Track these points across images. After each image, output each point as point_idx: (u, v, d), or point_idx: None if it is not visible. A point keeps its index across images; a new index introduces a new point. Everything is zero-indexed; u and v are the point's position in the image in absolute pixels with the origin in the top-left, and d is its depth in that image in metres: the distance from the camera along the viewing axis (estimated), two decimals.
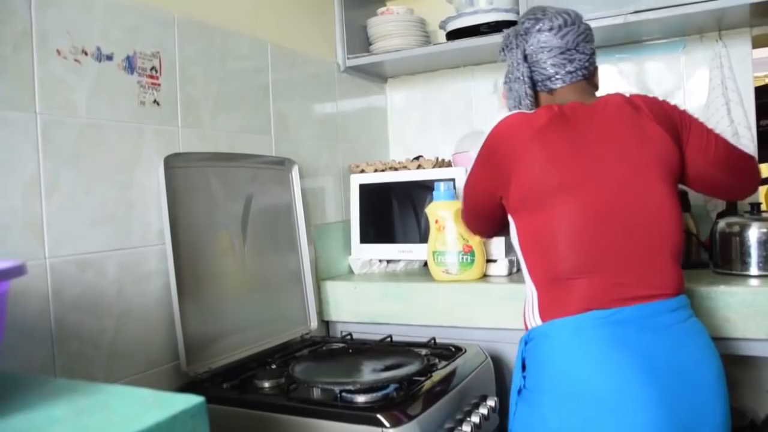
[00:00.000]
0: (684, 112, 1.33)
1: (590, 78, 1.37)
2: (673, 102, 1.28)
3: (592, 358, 1.13)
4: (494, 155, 1.30)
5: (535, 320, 1.23)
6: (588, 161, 1.22)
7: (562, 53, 1.32)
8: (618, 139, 1.24)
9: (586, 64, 1.34)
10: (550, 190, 1.21)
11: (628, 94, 1.31)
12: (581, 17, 1.36)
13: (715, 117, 1.90)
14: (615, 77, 2.12)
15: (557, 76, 1.33)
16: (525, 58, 1.35)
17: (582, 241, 1.19)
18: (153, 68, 1.42)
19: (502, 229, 1.50)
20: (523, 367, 1.23)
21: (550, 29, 1.32)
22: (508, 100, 1.38)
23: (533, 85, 1.36)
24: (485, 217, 1.44)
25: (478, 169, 1.37)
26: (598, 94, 1.39)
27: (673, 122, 1.29)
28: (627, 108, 1.27)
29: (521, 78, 1.34)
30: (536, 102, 1.37)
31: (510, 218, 1.32)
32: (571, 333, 1.16)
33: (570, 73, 1.32)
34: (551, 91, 1.35)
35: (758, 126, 1.97)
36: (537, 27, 1.33)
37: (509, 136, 1.27)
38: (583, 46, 1.33)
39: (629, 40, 2.05)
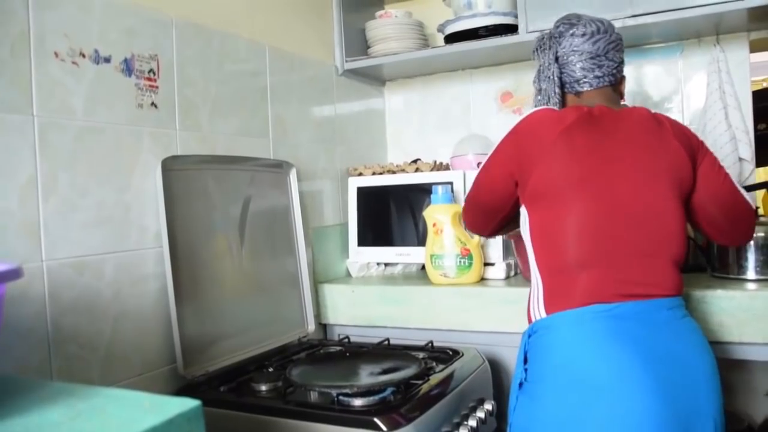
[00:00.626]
0: (703, 142, 1.36)
1: (616, 85, 1.41)
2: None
3: (591, 348, 1.16)
4: (522, 142, 1.32)
5: (539, 312, 1.26)
6: (605, 161, 1.25)
7: (591, 58, 1.36)
8: (637, 145, 1.28)
9: (614, 71, 1.38)
10: (567, 185, 1.25)
11: (653, 111, 1.35)
12: (614, 26, 1.41)
13: (713, 121, 1.90)
14: None
15: (585, 80, 1.37)
16: (556, 59, 1.39)
17: (589, 235, 1.22)
18: (151, 71, 1.42)
19: (501, 230, 1.53)
20: (525, 360, 1.26)
21: (583, 35, 1.36)
22: (536, 99, 1.42)
23: (562, 86, 1.40)
24: (490, 207, 1.44)
25: (500, 152, 1.37)
26: (622, 103, 1.42)
27: (691, 143, 1.32)
28: (651, 119, 1.32)
29: (551, 78, 1.39)
30: (563, 102, 1.41)
31: (523, 209, 1.34)
32: (573, 325, 1.19)
33: (597, 77, 1.36)
34: (578, 94, 1.39)
35: (756, 130, 1.97)
36: (570, 31, 1.38)
37: (539, 127, 1.30)
38: (613, 54, 1.37)
39: (627, 44, 2.02)
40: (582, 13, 1.42)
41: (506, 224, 1.48)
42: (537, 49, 1.44)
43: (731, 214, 1.36)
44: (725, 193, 1.34)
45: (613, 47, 1.37)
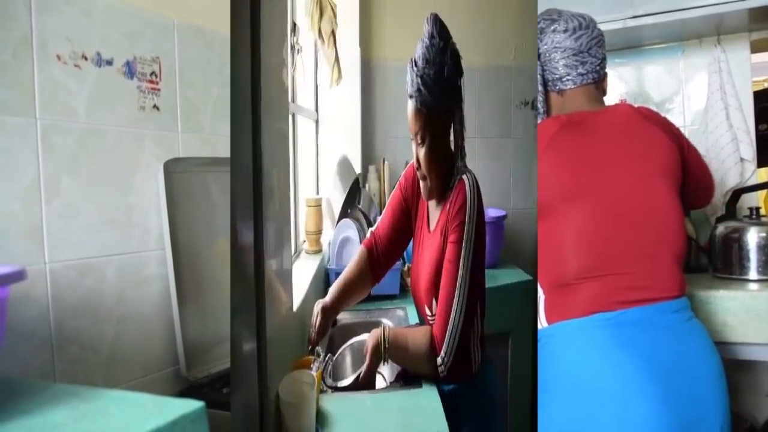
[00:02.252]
0: (680, 131, 1.38)
1: (599, 83, 1.39)
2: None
3: (596, 357, 1.15)
4: None
5: (540, 322, 1.25)
6: (597, 167, 1.24)
7: (574, 55, 1.34)
8: (626, 145, 1.26)
9: (597, 68, 1.36)
10: (561, 198, 1.23)
11: (636, 105, 1.34)
12: (595, 22, 1.38)
13: (714, 122, 1.90)
14: (614, 82, 2.12)
15: (568, 77, 1.35)
16: (538, 57, 1.37)
17: (588, 246, 1.21)
18: (153, 73, 1.42)
19: None
20: None
21: (565, 30, 1.34)
22: None
23: (545, 84, 1.38)
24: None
25: None
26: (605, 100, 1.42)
27: (674, 133, 1.33)
28: (636, 116, 1.30)
29: None
30: (546, 102, 1.39)
31: None
32: (577, 334, 1.18)
33: (581, 75, 1.35)
34: (561, 92, 1.37)
35: (757, 131, 1.97)
36: (552, 27, 1.35)
37: None
38: (596, 50, 1.35)
39: (628, 44, 2.05)
40: (562, 9, 1.39)
41: None
42: None
43: (704, 183, 1.47)
44: (701, 170, 1.43)
45: (596, 43, 1.35)
